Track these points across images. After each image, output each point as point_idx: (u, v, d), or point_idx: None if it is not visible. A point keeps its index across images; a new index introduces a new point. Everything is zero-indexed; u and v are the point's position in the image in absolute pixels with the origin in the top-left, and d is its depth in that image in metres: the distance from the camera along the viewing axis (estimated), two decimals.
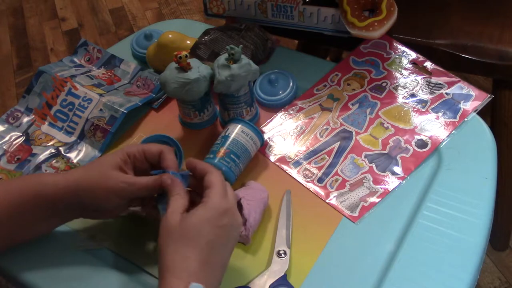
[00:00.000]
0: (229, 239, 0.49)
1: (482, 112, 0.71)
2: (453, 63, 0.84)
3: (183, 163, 0.66)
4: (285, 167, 0.69)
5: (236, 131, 0.66)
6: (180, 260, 0.45)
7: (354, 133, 0.71)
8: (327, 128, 0.72)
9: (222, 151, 0.64)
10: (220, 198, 0.49)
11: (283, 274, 0.55)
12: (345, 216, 0.62)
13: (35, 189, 0.53)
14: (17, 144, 0.74)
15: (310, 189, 0.65)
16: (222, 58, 0.68)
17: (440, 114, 0.71)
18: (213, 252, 0.47)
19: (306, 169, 0.68)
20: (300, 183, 0.66)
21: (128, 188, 0.53)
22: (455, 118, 0.70)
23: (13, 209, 0.53)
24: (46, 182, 0.54)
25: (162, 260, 0.46)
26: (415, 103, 0.73)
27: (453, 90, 0.74)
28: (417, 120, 0.71)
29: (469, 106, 0.71)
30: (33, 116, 0.78)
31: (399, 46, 0.81)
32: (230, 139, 0.65)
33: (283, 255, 0.57)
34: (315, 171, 0.67)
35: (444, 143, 0.68)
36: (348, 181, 0.66)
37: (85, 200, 0.53)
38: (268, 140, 0.72)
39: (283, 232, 0.59)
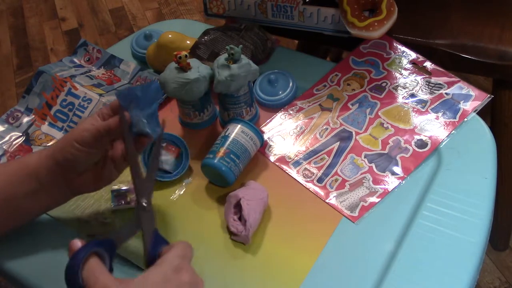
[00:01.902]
0: None
1: (482, 112, 0.71)
2: (453, 63, 0.84)
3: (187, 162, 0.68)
4: (284, 167, 0.69)
5: (236, 131, 0.66)
6: None
7: (354, 133, 0.71)
8: (326, 128, 0.73)
9: (222, 151, 0.64)
10: (176, 257, 0.44)
11: (154, 228, 0.49)
12: (344, 216, 0.62)
13: (21, 161, 0.56)
14: (17, 144, 0.75)
15: (310, 189, 0.65)
16: (222, 58, 0.68)
17: (440, 114, 0.71)
18: None
19: (305, 169, 0.68)
20: (300, 183, 0.66)
21: (87, 134, 0.52)
22: (455, 118, 0.70)
23: (2, 183, 0.54)
24: (32, 153, 0.57)
25: None
26: (415, 103, 0.73)
27: (453, 90, 0.74)
28: (416, 120, 0.71)
29: (469, 106, 0.71)
30: (33, 116, 0.78)
31: (399, 46, 0.81)
32: (230, 139, 0.65)
33: (147, 208, 0.49)
34: (314, 171, 0.67)
35: (444, 143, 0.68)
36: (348, 181, 0.66)
37: (61, 161, 0.54)
38: (268, 140, 0.72)
39: (144, 180, 0.51)
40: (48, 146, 0.74)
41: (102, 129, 0.53)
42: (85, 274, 0.41)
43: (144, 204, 0.49)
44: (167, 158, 0.67)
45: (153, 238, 0.47)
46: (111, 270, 0.44)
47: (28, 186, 0.55)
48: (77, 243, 0.44)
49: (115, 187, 0.66)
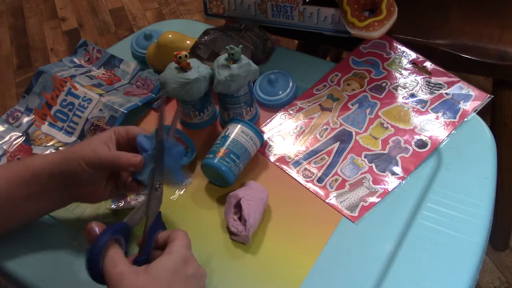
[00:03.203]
0: None
1: (482, 112, 0.71)
2: (453, 63, 0.84)
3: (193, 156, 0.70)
4: (284, 167, 0.69)
5: (236, 131, 0.66)
6: None
7: (353, 133, 0.71)
8: (326, 128, 0.73)
9: (222, 151, 0.64)
10: (182, 247, 0.47)
11: (159, 211, 0.53)
12: (344, 216, 0.62)
13: (24, 163, 0.56)
14: (17, 144, 0.75)
15: (310, 189, 0.65)
16: (222, 58, 0.68)
17: (440, 114, 0.71)
18: None
19: (305, 169, 0.68)
20: (300, 183, 0.66)
21: (95, 158, 0.53)
22: (455, 118, 0.70)
23: (4, 183, 0.54)
24: (37, 156, 0.56)
25: None
26: (415, 103, 0.73)
27: (453, 90, 0.74)
28: (416, 120, 0.71)
29: (469, 106, 0.71)
30: (33, 116, 0.78)
31: (399, 46, 0.81)
32: (230, 139, 0.65)
33: (158, 188, 0.54)
34: (314, 171, 0.67)
35: (443, 143, 0.68)
36: (348, 181, 0.66)
37: (64, 171, 0.54)
38: (267, 140, 0.72)
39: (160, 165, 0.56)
40: (49, 146, 0.74)
41: (111, 162, 0.54)
42: (105, 261, 0.44)
43: (157, 185, 0.53)
44: None
45: (155, 220, 0.51)
46: (126, 253, 0.48)
47: (29, 188, 0.55)
48: (95, 229, 0.47)
49: None
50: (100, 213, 0.64)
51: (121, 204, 0.64)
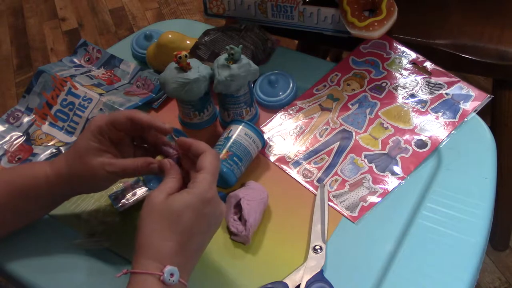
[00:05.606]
0: (209, 226, 0.50)
1: (482, 112, 0.71)
2: (453, 63, 0.84)
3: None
4: (284, 167, 0.69)
5: (239, 133, 0.66)
6: (157, 242, 0.46)
7: (353, 133, 0.71)
8: (326, 128, 0.73)
9: (224, 153, 0.64)
10: (207, 186, 0.49)
11: (319, 270, 0.55)
12: (344, 216, 0.62)
13: (28, 184, 0.56)
14: (18, 144, 0.75)
15: (310, 189, 0.65)
16: (221, 58, 0.68)
17: (439, 114, 0.71)
18: (191, 238, 0.47)
19: (305, 169, 0.68)
20: (300, 183, 0.66)
21: (111, 175, 0.55)
22: (455, 118, 0.70)
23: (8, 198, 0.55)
24: (37, 175, 0.56)
25: (139, 237, 0.46)
26: (415, 103, 0.73)
27: (453, 90, 0.74)
28: (416, 120, 0.71)
29: (468, 106, 0.71)
30: (34, 116, 0.78)
31: (399, 46, 0.81)
32: (232, 141, 0.65)
33: (319, 250, 0.57)
34: (314, 171, 0.67)
35: (443, 143, 0.68)
36: (348, 181, 0.66)
37: (77, 188, 0.57)
38: (267, 140, 0.72)
39: (318, 227, 0.59)
40: (50, 145, 0.74)
41: (135, 169, 0.55)
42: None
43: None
44: None
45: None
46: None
47: (39, 203, 0.57)
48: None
49: (113, 189, 0.65)
50: (100, 212, 0.64)
51: (124, 204, 0.64)
